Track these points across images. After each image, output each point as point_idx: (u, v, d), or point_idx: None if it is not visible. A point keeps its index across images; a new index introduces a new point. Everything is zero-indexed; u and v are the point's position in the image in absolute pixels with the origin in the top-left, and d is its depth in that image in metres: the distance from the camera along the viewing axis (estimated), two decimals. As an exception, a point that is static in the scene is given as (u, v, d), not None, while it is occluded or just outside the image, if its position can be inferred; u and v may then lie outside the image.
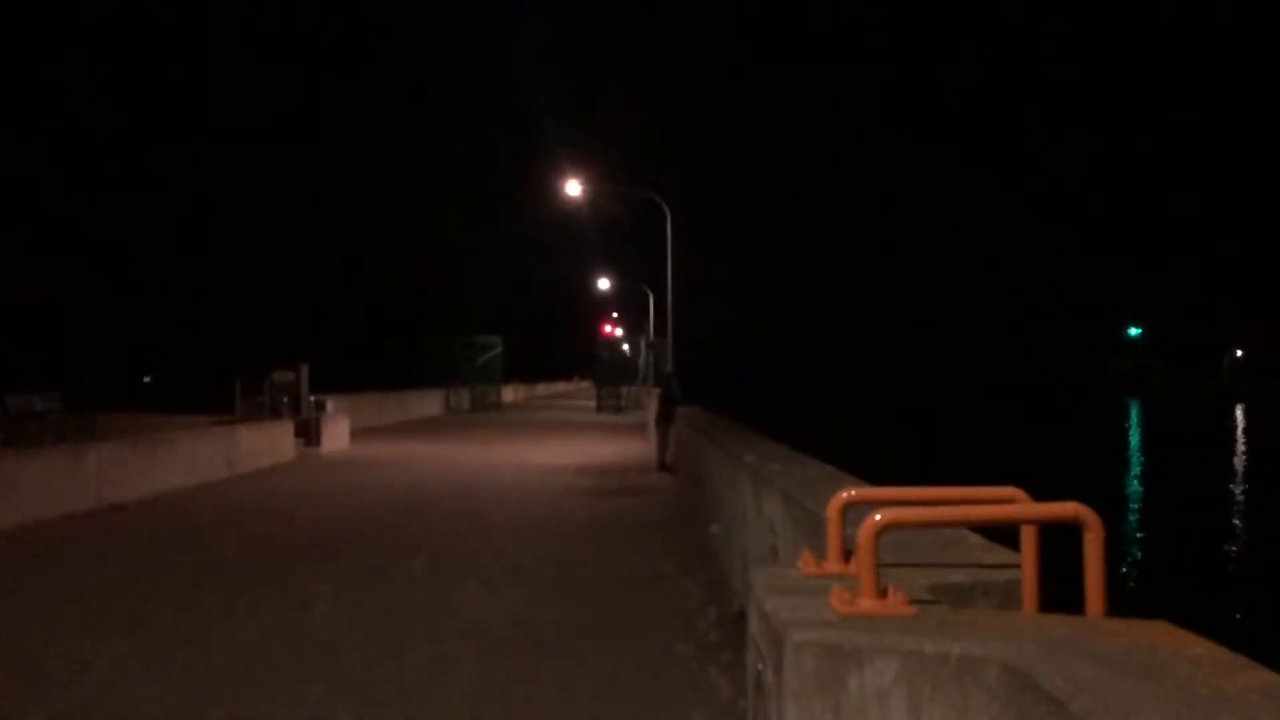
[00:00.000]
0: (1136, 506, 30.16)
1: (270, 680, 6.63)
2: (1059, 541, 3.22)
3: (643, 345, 51.37)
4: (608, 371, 51.64)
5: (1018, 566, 3.29)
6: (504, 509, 14.76)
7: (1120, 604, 3.01)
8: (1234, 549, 23.44)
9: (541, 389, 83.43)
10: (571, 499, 15.96)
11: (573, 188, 31.77)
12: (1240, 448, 54.45)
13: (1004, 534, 3.42)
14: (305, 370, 25.24)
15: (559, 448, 26.55)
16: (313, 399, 25.27)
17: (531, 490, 17.06)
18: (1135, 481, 37.88)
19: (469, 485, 17.71)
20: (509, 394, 60.24)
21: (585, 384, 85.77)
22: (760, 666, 3.02)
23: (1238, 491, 34.99)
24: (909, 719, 2.46)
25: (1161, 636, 2.50)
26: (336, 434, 25.12)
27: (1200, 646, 2.40)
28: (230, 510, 14.65)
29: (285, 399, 24.70)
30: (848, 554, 3.37)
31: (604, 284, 61.51)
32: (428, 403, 43.56)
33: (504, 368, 54.24)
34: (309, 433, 23.71)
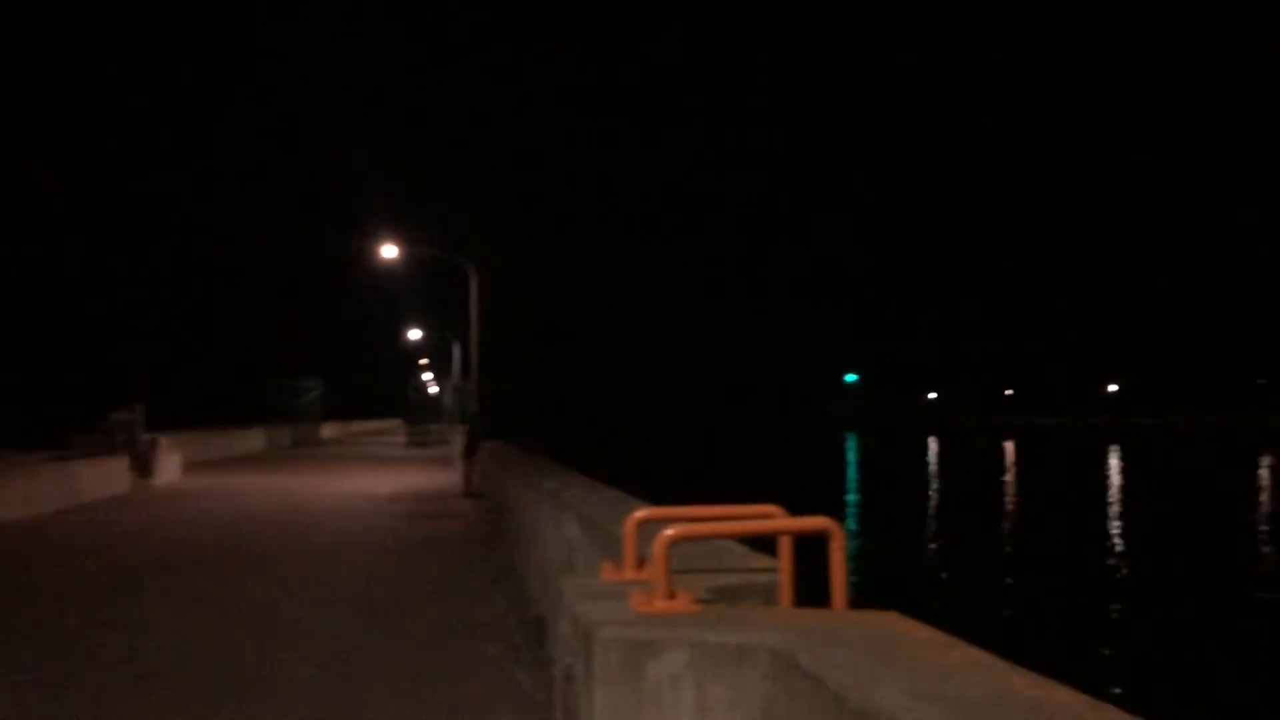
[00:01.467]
0: (856, 517, 31.58)
1: (118, 690, 6.19)
2: (804, 547, 3.39)
3: (450, 387, 50.63)
4: (418, 410, 50.78)
5: (776, 570, 3.43)
6: (327, 533, 14.23)
7: (856, 598, 3.19)
8: (933, 548, 24.86)
9: (358, 426, 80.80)
10: (388, 523, 15.54)
11: (389, 250, 31.08)
12: (932, 470, 57.84)
13: (764, 544, 3.57)
14: (141, 409, 23.73)
15: (375, 478, 25.81)
16: (147, 435, 23.77)
17: (351, 516, 16.51)
18: (854, 497, 39.66)
19: (293, 512, 16.99)
20: (328, 431, 58.14)
21: (398, 422, 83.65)
22: (570, 660, 3.05)
23: (932, 504, 37.12)
24: (696, 699, 2.55)
25: (893, 624, 2.67)
26: (169, 467, 23.69)
27: (924, 632, 2.58)
28: (67, 539, 13.59)
29: (121, 436, 23.13)
30: (642, 563, 3.45)
31: (416, 333, 60.35)
32: (253, 439, 41.59)
33: (324, 407, 52.41)
34: (143, 466, 22.28)
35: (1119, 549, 24.35)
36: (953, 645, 2.43)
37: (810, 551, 3.34)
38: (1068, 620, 15.87)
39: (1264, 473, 53.00)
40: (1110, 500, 38.45)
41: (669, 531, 2.92)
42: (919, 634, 2.53)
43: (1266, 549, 24.55)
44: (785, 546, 3.36)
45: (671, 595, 2.88)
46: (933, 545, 25.78)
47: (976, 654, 2.34)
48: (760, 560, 3.71)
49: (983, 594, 18.06)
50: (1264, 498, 39.49)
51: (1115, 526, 29.67)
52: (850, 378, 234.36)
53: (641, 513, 3.56)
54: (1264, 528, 28.89)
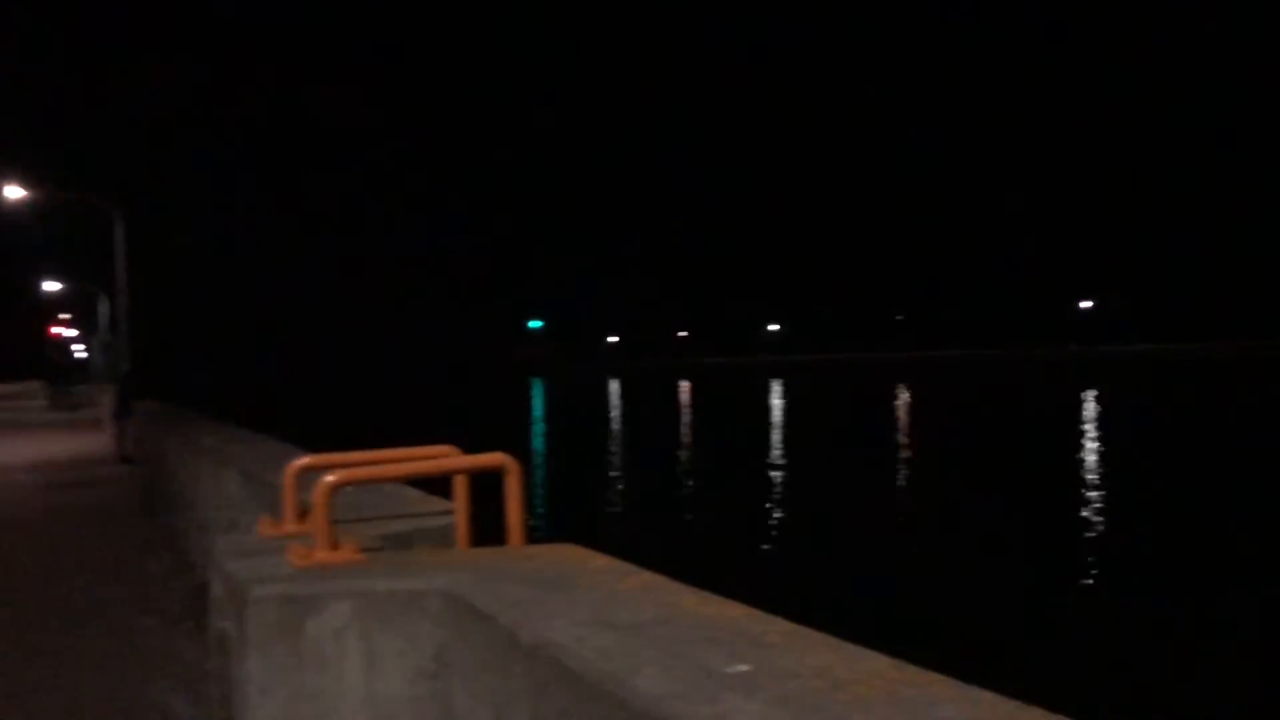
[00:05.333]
0: (543, 457, 32.16)
1: None
2: (488, 489, 3.28)
3: (96, 344, 46.08)
4: (59, 371, 45.92)
5: (451, 512, 3.31)
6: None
7: (534, 534, 3.13)
8: (613, 479, 25.80)
9: (-16, 390, 71.98)
10: (26, 494, 13.89)
11: (12, 191, 27.53)
12: (614, 411, 59.95)
13: (446, 488, 3.42)
14: None
15: (7, 446, 23.03)
16: None
17: (-22, 490, 14.60)
18: (540, 439, 40.37)
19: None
20: (-53, 397, 51.43)
21: (35, 384, 75.16)
22: (223, 625, 2.78)
23: (613, 443, 38.47)
24: (363, 652, 2.38)
25: (569, 556, 2.62)
26: None
27: (600, 560, 2.55)
28: None
29: None
30: (304, 515, 3.20)
31: (53, 285, 54.08)
32: None
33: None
34: None
35: (781, 472, 26.40)
36: (628, 572, 2.41)
37: (495, 492, 3.24)
38: (740, 539, 16.98)
39: (901, 402, 59.56)
40: (773, 427, 41.68)
41: (330, 477, 2.71)
42: (595, 563, 2.50)
43: (899, 469, 27.61)
44: (460, 486, 3.24)
45: (335, 546, 2.68)
46: (618, 479, 26.75)
47: (651, 578, 2.33)
48: (435, 503, 3.57)
49: (665, 520, 18.94)
50: (901, 420, 44.41)
51: (778, 452, 32.15)
52: (534, 324, 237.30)
53: (303, 460, 3.30)
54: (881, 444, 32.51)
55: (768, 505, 20.81)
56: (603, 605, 2.07)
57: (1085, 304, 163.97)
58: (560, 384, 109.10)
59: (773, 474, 26.09)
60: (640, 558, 2.60)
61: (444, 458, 3.18)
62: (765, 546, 16.64)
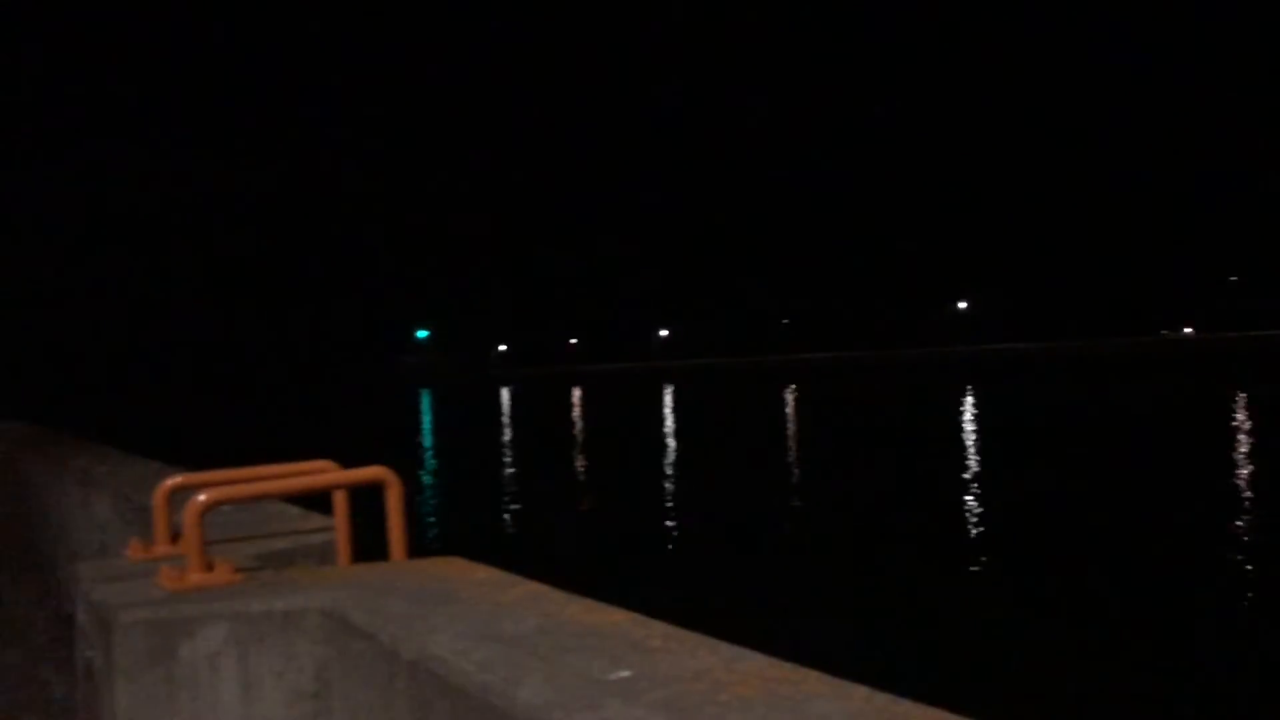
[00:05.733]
0: (432, 470, 31.71)
1: None
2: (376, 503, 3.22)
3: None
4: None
5: (332, 529, 3.25)
6: None
7: (425, 548, 3.09)
8: (506, 491, 25.60)
9: None
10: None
11: None
12: (505, 420, 59.54)
13: (327, 505, 3.34)
14: None
15: None
16: None
17: None
18: (430, 453, 39.81)
19: None
20: None
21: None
22: (89, 654, 2.67)
23: (502, 453, 38.18)
24: (240, 675, 2.32)
25: (453, 569, 2.60)
26: None
27: (484, 572, 2.53)
28: None
29: None
30: (176, 536, 3.10)
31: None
32: None
33: None
34: None
35: (673, 476, 26.61)
36: (513, 582, 2.41)
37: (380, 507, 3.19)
38: (636, 545, 17.04)
39: (790, 400, 60.73)
40: (666, 432, 42.01)
41: (202, 496, 2.63)
42: (478, 575, 2.49)
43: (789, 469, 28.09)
44: (340, 501, 3.18)
45: (209, 567, 2.60)
46: (506, 490, 26.57)
47: (535, 588, 2.33)
48: (315, 520, 3.50)
49: (556, 529, 18.88)
50: (791, 426, 45.21)
51: (671, 456, 32.41)
52: (421, 334, 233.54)
53: (175, 479, 3.19)
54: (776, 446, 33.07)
55: (656, 509, 20.95)
56: (485, 617, 2.06)
57: (961, 304, 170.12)
58: (448, 394, 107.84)
59: (661, 479, 26.27)
60: (527, 568, 2.59)
61: (322, 473, 3.11)
62: (653, 550, 16.75)
